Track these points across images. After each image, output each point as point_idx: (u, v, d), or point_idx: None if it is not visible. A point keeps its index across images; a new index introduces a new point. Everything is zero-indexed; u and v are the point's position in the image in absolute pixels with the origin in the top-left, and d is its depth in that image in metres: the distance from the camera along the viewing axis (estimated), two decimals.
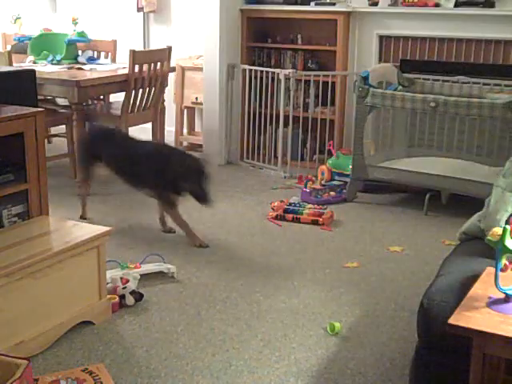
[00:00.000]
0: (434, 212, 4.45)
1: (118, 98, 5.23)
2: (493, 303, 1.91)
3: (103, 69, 5.18)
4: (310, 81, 5.34)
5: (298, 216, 4.27)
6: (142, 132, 5.86)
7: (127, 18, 6.43)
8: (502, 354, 1.83)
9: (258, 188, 5.03)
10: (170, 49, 5.10)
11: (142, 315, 3.02)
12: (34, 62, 5.33)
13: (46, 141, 4.20)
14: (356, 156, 4.63)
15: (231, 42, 5.54)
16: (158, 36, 6.37)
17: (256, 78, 5.46)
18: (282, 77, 5.21)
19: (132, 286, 3.13)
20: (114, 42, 5.83)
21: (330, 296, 3.24)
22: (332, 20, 5.26)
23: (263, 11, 5.50)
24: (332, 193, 4.74)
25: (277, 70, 5.31)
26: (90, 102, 5.53)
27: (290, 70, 5.21)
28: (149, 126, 5.34)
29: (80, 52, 5.60)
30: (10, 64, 4.79)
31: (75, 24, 5.81)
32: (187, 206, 4.57)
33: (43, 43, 5.52)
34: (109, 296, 3.01)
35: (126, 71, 4.90)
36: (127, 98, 4.86)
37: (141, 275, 3.29)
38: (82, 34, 5.66)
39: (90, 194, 4.36)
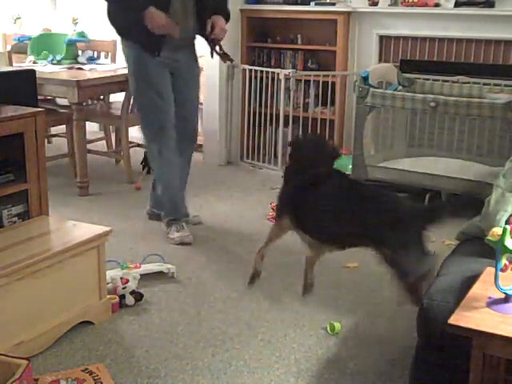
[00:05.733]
0: None
1: (118, 98, 5.22)
2: (493, 303, 1.91)
3: (103, 69, 5.17)
4: (309, 81, 5.34)
5: None
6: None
7: None
8: (502, 354, 1.83)
9: (258, 188, 5.03)
10: None
11: (142, 315, 3.02)
12: (34, 62, 5.32)
13: (46, 141, 4.21)
14: (356, 156, 4.63)
15: (231, 42, 5.53)
16: None
17: (256, 78, 5.45)
18: (282, 77, 5.21)
19: (132, 285, 3.13)
20: (114, 42, 5.81)
21: (330, 296, 3.24)
22: (332, 20, 5.26)
23: (263, 11, 5.50)
24: None
25: (277, 70, 5.30)
26: (89, 102, 5.53)
27: (290, 70, 5.21)
28: None
29: (80, 52, 5.59)
30: (10, 64, 4.79)
31: (75, 24, 5.80)
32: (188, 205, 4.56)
33: (43, 43, 5.52)
34: (109, 296, 3.01)
35: (125, 71, 4.89)
36: (127, 98, 4.86)
37: (141, 275, 3.29)
38: (82, 34, 5.65)
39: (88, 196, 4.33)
